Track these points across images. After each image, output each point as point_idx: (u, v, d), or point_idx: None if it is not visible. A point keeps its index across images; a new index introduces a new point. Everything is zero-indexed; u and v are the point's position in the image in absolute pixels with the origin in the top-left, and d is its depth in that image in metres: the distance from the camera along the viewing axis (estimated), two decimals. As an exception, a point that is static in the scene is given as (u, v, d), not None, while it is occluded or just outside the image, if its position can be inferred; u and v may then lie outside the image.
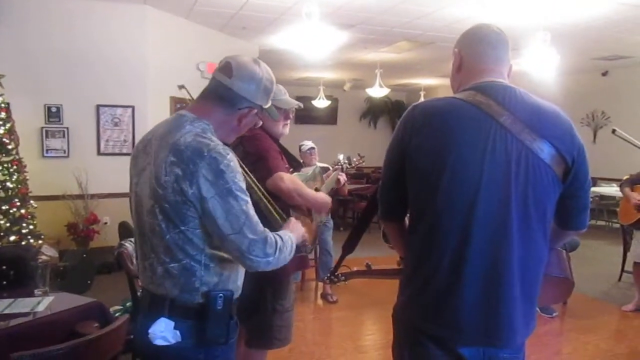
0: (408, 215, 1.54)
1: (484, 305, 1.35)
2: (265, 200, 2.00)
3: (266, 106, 1.63)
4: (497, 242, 1.34)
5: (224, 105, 1.54)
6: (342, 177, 3.20)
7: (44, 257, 2.99)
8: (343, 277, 1.93)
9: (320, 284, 5.19)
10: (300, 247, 1.78)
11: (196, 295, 1.48)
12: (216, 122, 1.54)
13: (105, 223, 5.68)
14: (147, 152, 1.54)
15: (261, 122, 1.76)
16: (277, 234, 1.55)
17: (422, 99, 11.02)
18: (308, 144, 5.11)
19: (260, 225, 1.49)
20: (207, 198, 1.40)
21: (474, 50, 1.50)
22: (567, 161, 1.37)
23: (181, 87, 2.11)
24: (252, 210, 1.47)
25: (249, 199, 1.48)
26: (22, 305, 2.32)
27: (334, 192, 4.41)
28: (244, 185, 1.47)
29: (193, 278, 1.47)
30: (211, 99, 1.56)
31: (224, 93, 1.54)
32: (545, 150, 1.35)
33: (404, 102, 13.22)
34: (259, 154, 2.29)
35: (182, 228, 1.44)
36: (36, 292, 2.47)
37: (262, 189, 2.04)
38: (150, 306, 1.52)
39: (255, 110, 1.60)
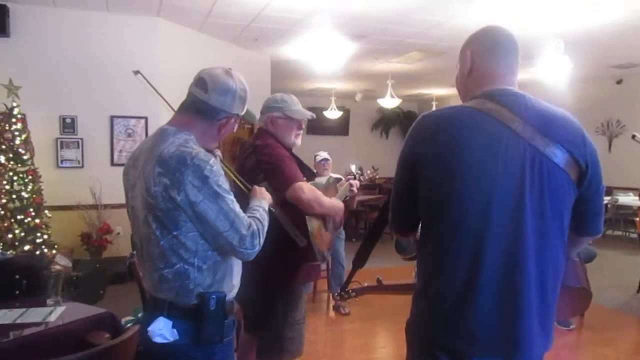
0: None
1: (500, 317, 1.32)
2: (239, 182, 2.06)
3: (242, 113, 1.73)
4: (512, 251, 1.32)
5: (203, 118, 1.65)
6: (356, 183, 3.15)
7: (57, 267, 3.00)
8: (354, 293, 1.90)
9: (332, 296, 5.15)
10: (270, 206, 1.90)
11: (191, 297, 1.58)
12: (198, 133, 1.65)
13: (118, 233, 5.72)
14: (136, 166, 1.64)
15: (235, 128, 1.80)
16: (253, 216, 1.68)
17: (434, 109, 10.96)
18: (323, 154, 5.10)
19: (246, 219, 1.61)
20: (196, 202, 1.51)
21: (487, 57, 1.48)
22: (581, 165, 1.36)
23: (136, 72, 2.18)
24: (237, 207, 1.59)
25: (233, 197, 1.59)
26: (35, 315, 2.33)
27: (344, 204, 4.38)
28: (227, 186, 1.59)
29: (187, 281, 1.57)
30: (190, 112, 1.65)
31: (202, 107, 1.64)
32: (558, 155, 1.33)
33: (415, 113, 13.20)
34: (274, 162, 2.28)
35: (175, 233, 1.54)
36: (48, 301, 2.47)
37: (235, 173, 2.08)
38: (153, 308, 1.63)
39: (233, 119, 1.70)
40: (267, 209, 1.81)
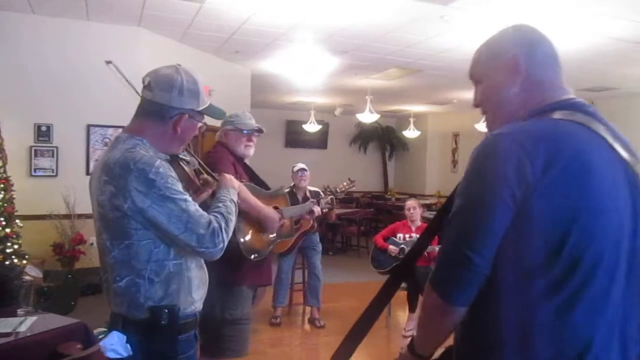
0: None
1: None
2: (205, 172, 1.98)
3: (199, 108, 1.65)
4: (631, 290, 1.11)
5: (154, 119, 1.60)
6: (317, 210, 3.29)
7: (27, 277, 2.96)
8: None
9: (308, 309, 5.15)
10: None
11: (142, 311, 1.53)
12: (152, 136, 1.60)
13: (92, 244, 5.60)
14: (94, 176, 1.62)
15: (204, 127, 1.77)
16: (216, 210, 1.61)
17: (411, 125, 11.12)
18: (299, 165, 5.13)
19: (204, 217, 1.54)
20: (144, 208, 1.47)
21: (544, 66, 1.28)
22: None
23: (108, 62, 2.13)
24: (192, 207, 1.52)
25: (186, 197, 1.53)
26: (4, 325, 2.29)
27: (324, 216, 4.41)
28: (178, 186, 1.53)
29: (137, 294, 1.52)
30: (142, 115, 1.63)
31: (151, 108, 1.60)
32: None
33: (394, 128, 13.35)
34: (212, 162, 2.41)
35: (127, 242, 1.50)
36: (19, 311, 2.44)
37: (201, 162, 2.00)
38: (111, 323, 1.59)
39: (187, 115, 1.62)
40: (235, 198, 1.76)
